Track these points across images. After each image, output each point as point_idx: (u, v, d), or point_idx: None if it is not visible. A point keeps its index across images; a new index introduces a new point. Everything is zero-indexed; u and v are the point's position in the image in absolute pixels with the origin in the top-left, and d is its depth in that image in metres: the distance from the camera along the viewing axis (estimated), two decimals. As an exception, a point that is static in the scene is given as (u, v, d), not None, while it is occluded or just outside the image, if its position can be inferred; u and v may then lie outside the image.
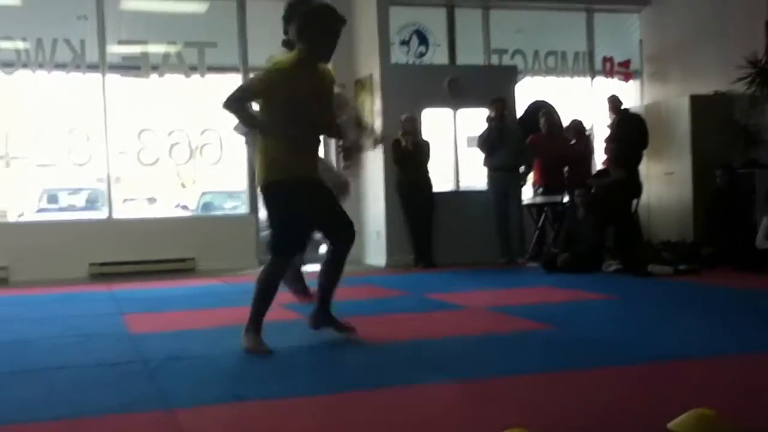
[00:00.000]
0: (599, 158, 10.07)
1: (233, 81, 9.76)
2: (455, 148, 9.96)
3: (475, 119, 9.57)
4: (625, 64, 11.11)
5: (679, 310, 5.75)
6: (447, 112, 9.84)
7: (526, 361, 3.99)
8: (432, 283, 7.59)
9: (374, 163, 9.52)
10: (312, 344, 4.59)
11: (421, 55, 10.31)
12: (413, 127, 9.08)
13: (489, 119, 9.11)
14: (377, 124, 9.34)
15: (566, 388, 3.46)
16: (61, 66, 9.22)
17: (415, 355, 4.24)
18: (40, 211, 11.48)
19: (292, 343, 4.64)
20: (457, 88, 9.49)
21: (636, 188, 8.92)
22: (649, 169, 9.68)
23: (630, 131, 8.99)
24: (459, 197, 9.77)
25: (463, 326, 5.17)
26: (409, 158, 9.00)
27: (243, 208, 10.23)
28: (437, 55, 10.39)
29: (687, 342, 4.38)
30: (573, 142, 9.61)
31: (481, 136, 9.12)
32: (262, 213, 10.30)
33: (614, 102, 9.33)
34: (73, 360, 4.30)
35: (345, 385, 3.59)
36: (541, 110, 9.76)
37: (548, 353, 4.20)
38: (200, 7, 10.12)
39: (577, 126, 9.66)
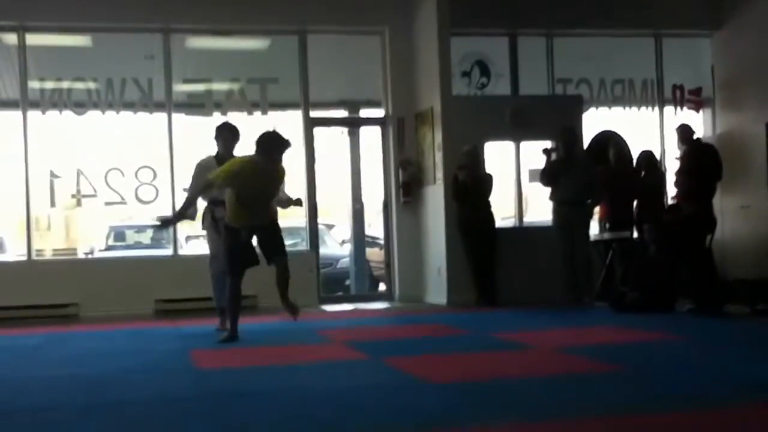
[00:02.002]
0: (670, 192, 9.77)
1: (294, 117, 9.92)
2: (518, 182, 9.82)
3: (539, 151, 9.39)
4: (696, 91, 10.81)
5: (758, 351, 5.51)
6: (509, 144, 9.73)
7: (597, 404, 3.86)
8: (496, 322, 7.47)
9: (435, 199, 9.44)
10: (377, 384, 4.59)
11: (483, 86, 10.26)
12: (471, 160, 8.93)
13: (546, 151, 8.90)
14: (438, 157, 9.28)
15: (635, 431, 3.38)
16: (130, 105, 9.49)
17: (483, 396, 4.15)
18: (108, 249, 11.71)
19: (359, 383, 4.65)
20: (520, 119, 9.35)
21: (710, 223, 8.58)
22: (723, 203, 9.28)
23: (702, 162, 8.62)
24: (522, 232, 9.63)
25: (530, 367, 5.10)
26: (467, 193, 8.86)
27: (303, 245, 10.26)
28: (499, 86, 10.33)
29: (765, 387, 4.17)
30: (643, 174, 9.31)
31: (543, 170, 8.92)
32: (322, 250, 10.45)
33: (685, 132, 8.92)
34: (142, 395, 4.40)
35: (412, 426, 3.52)
36: (610, 141, 9.51)
37: (619, 396, 4.07)
38: (262, 44, 10.31)
39: (648, 157, 9.35)
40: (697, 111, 10.81)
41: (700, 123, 10.56)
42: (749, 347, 5.72)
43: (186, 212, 7.01)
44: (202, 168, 7.27)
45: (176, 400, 4.25)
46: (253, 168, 6.41)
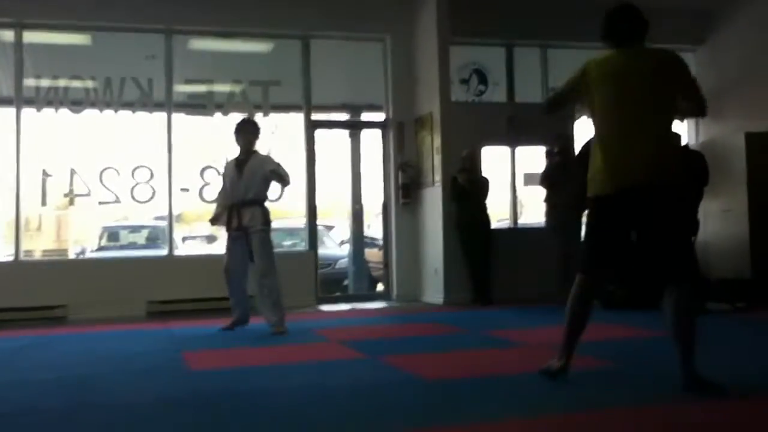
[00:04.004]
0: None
1: (296, 120, 9.98)
2: (513, 185, 10.03)
3: (533, 157, 9.64)
4: (681, 102, 11.14)
5: (739, 347, 5.69)
6: (505, 149, 9.97)
7: (587, 399, 3.96)
8: (491, 321, 7.52)
9: (433, 201, 9.58)
10: (373, 382, 4.58)
11: (481, 93, 10.49)
12: (471, 164, 9.16)
13: (549, 153, 9.12)
14: (437, 161, 9.44)
15: (627, 425, 3.45)
16: (128, 104, 9.38)
17: (476, 392, 4.19)
18: (101, 249, 11.38)
19: (355, 381, 4.61)
20: (516, 125, 9.59)
21: (694, 225, 8.84)
22: (705, 207, 9.44)
23: (691, 168, 8.91)
24: (517, 234, 9.81)
25: (524, 363, 5.12)
26: (466, 195, 9.08)
27: (302, 245, 10.26)
28: (496, 93, 10.58)
29: (748, 380, 4.31)
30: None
31: (544, 173, 9.13)
32: (321, 250, 10.49)
33: (674, 139, 9.26)
34: (132, 397, 4.29)
35: (408, 424, 3.54)
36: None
37: (608, 390, 4.16)
38: (265, 47, 10.32)
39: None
40: (681, 120, 11.11)
41: (684, 132, 10.88)
42: (731, 343, 5.89)
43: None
44: (226, 168, 7.25)
45: (168, 402, 4.12)
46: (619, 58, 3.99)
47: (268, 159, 7.15)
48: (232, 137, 7.16)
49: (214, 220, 7.37)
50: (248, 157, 7.06)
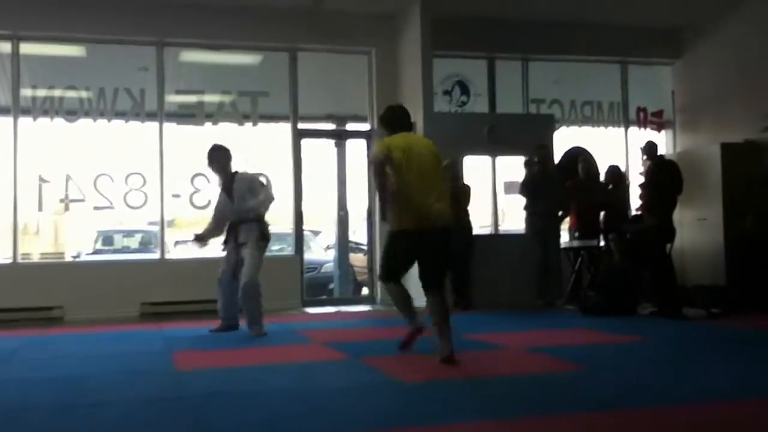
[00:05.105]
0: (634, 204, 10.27)
1: (284, 129, 10.19)
2: (494, 193, 10.21)
3: (513, 166, 9.82)
4: (658, 114, 11.42)
5: (712, 353, 5.81)
6: (486, 158, 10.12)
7: (559, 402, 4.03)
8: (470, 324, 7.51)
9: (416, 207, 9.75)
10: (351, 385, 4.67)
11: (463, 104, 10.70)
12: (453, 172, 9.34)
13: (528, 163, 9.33)
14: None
15: (597, 429, 3.52)
16: (121, 114, 9.58)
17: (452, 394, 4.27)
18: (96, 252, 11.54)
19: (336, 383, 4.73)
20: (497, 135, 9.75)
21: (669, 233, 9.06)
22: (682, 215, 9.80)
23: (666, 177, 9.12)
24: (497, 240, 9.95)
25: (498, 366, 5.24)
26: (448, 202, 9.26)
27: (289, 250, 10.40)
28: (478, 104, 10.78)
29: (719, 385, 4.43)
30: (610, 187, 9.83)
31: (524, 182, 9.33)
32: (307, 255, 10.65)
33: (651, 149, 9.41)
34: (121, 396, 4.37)
35: (382, 425, 3.59)
36: (580, 156, 10.02)
37: (581, 394, 4.23)
38: (254, 59, 10.53)
39: (615, 172, 9.88)
40: (659, 131, 11.41)
41: (661, 142, 11.03)
42: (706, 348, 6.03)
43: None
44: (219, 197, 7.37)
45: (155, 401, 4.21)
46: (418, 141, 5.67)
47: (253, 181, 7.36)
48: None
49: (200, 238, 7.39)
50: (232, 181, 7.25)
